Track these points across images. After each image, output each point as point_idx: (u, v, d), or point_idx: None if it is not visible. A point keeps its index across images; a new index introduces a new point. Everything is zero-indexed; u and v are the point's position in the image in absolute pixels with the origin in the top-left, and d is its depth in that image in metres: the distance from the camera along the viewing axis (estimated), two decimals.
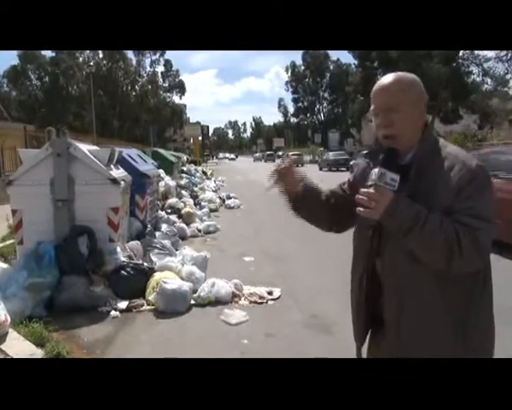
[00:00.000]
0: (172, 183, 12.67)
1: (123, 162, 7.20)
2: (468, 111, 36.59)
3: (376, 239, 1.63)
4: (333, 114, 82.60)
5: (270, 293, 5.40)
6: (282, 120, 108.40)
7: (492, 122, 35.50)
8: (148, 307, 5.03)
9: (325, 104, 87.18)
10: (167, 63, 61.76)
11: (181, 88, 62.93)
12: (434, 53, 33.26)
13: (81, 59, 54.49)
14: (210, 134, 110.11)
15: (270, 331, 4.40)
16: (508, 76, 33.62)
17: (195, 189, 16.18)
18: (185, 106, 79.11)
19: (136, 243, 6.36)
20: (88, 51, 51.38)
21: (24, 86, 53.36)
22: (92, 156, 5.76)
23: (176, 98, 64.12)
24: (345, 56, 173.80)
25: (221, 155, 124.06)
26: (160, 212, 9.70)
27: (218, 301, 5.13)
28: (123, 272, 5.33)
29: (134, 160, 8.33)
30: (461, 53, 35.47)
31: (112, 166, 6.16)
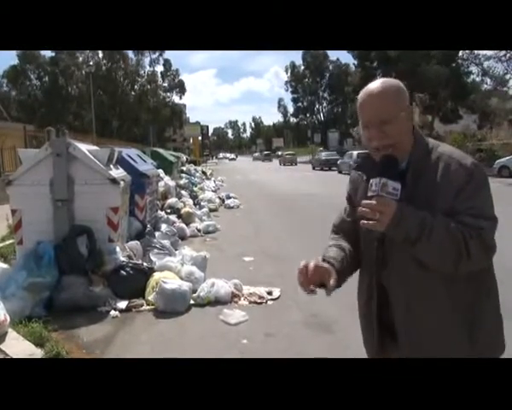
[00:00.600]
0: (172, 183, 12.67)
1: (122, 162, 7.20)
2: (468, 111, 36.65)
3: (381, 250, 1.60)
4: (332, 113, 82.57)
5: (269, 293, 5.41)
6: (281, 120, 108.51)
7: (492, 122, 35.53)
8: (148, 307, 5.03)
9: (325, 104, 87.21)
10: (166, 62, 61.73)
11: (181, 88, 62.87)
12: (434, 53, 33.30)
13: (81, 59, 54.42)
14: (209, 134, 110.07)
15: (270, 331, 4.40)
16: (507, 76, 33.62)
17: (195, 189, 16.19)
18: (185, 106, 79.11)
19: (135, 243, 6.36)
20: (88, 51, 51.34)
21: (23, 86, 53.31)
22: (92, 156, 5.76)
23: (176, 98, 64.13)
24: (344, 56, 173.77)
25: (221, 154, 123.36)
26: (159, 212, 9.70)
27: (217, 301, 5.13)
28: (122, 271, 5.33)
29: (133, 160, 8.33)
30: (460, 53, 35.49)
31: (111, 166, 6.16)
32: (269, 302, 5.22)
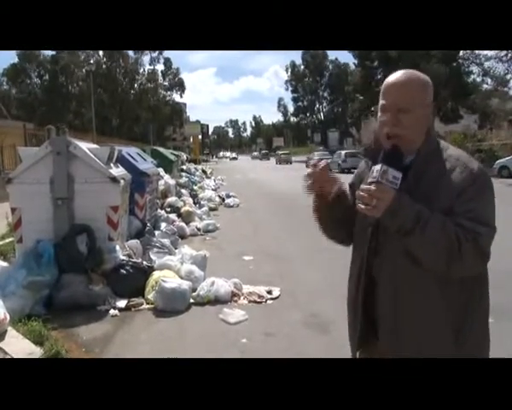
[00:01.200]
0: (172, 181, 12.67)
1: (122, 161, 7.20)
2: (468, 111, 36.58)
3: (375, 239, 1.59)
4: (332, 113, 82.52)
5: (269, 292, 5.40)
6: (281, 119, 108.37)
7: (492, 122, 35.49)
8: (148, 306, 5.03)
9: (325, 104, 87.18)
10: (167, 61, 61.64)
11: (180, 86, 62.78)
12: (434, 52, 33.27)
13: (82, 57, 54.34)
14: (210, 133, 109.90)
15: (270, 331, 4.40)
16: (508, 76, 33.60)
17: (195, 187, 16.19)
18: (185, 105, 79.07)
19: (135, 242, 6.36)
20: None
21: (23, 84, 53.31)
22: (92, 155, 5.76)
23: (176, 97, 64.07)
24: (343, 56, 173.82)
25: (221, 153, 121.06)
26: (159, 210, 9.70)
27: (217, 300, 5.13)
28: (122, 270, 5.33)
29: (133, 158, 8.33)
30: (461, 53, 35.47)
31: (111, 165, 6.16)
32: (268, 302, 5.22)
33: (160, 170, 11.70)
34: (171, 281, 5.09)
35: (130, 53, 57.63)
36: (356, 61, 47.26)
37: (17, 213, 5.65)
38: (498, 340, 1.66)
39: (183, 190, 13.59)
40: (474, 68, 36.24)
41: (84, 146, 5.96)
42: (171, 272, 5.49)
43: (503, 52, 30.15)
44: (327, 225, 1.81)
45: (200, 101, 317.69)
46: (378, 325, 1.60)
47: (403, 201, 1.42)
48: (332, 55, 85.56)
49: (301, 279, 6.04)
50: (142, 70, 60.23)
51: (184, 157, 27.04)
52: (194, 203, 12.54)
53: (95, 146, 6.64)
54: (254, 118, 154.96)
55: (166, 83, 62.31)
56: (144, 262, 5.71)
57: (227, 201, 14.71)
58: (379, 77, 43.49)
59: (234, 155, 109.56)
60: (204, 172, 27.82)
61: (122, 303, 5.03)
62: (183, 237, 8.88)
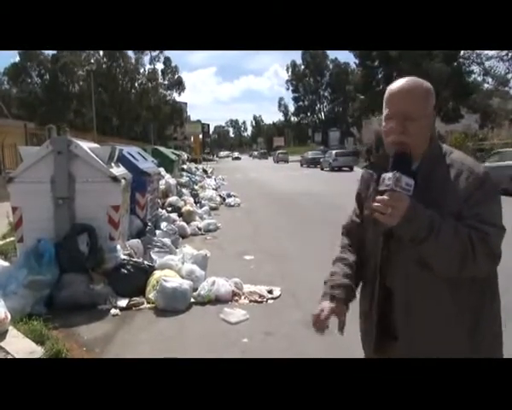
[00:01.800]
0: (173, 181, 12.67)
1: (123, 160, 7.20)
2: (469, 110, 36.53)
3: (386, 248, 1.59)
4: (333, 112, 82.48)
5: (270, 292, 5.41)
6: (282, 118, 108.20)
7: (493, 122, 35.46)
8: (148, 306, 5.04)
9: (325, 103, 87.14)
10: (167, 60, 61.59)
11: (180, 85, 62.65)
12: (435, 52, 33.22)
13: (83, 57, 54.32)
14: (210, 132, 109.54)
15: (270, 330, 4.40)
16: (509, 75, 33.58)
17: (196, 187, 16.19)
18: (186, 104, 79.03)
19: (136, 241, 6.37)
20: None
21: (24, 84, 53.32)
22: (93, 154, 5.76)
23: (176, 96, 64.03)
24: (343, 55, 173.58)
25: (221, 153, 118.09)
26: (160, 210, 9.71)
27: (218, 300, 5.13)
28: (123, 270, 5.33)
29: (134, 158, 8.34)
30: (462, 52, 35.41)
31: (112, 164, 6.16)
32: (269, 301, 5.22)
33: (161, 169, 11.70)
34: (172, 280, 5.09)
35: (131, 52, 57.74)
36: (356, 61, 47.20)
37: (18, 212, 5.65)
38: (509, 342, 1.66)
39: (183, 190, 13.59)
40: (475, 68, 36.21)
41: (85, 145, 5.96)
42: (171, 271, 5.49)
43: (504, 51, 30.13)
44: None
45: (201, 100, 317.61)
46: (397, 334, 1.59)
47: (417, 208, 1.41)
48: (332, 54, 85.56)
49: (302, 279, 6.04)
50: (142, 70, 60.32)
51: (185, 156, 27.04)
52: (195, 203, 12.55)
53: (96, 145, 6.64)
54: (255, 117, 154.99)
55: (166, 82, 62.28)
56: (145, 262, 5.71)
57: (228, 200, 14.72)
58: (379, 76, 43.46)
59: (237, 154, 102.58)
60: (205, 171, 27.83)
61: (123, 303, 5.03)
62: (183, 236, 8.89)
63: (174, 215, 9.85)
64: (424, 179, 1.51)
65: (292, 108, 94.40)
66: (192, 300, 5.10)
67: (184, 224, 9.52)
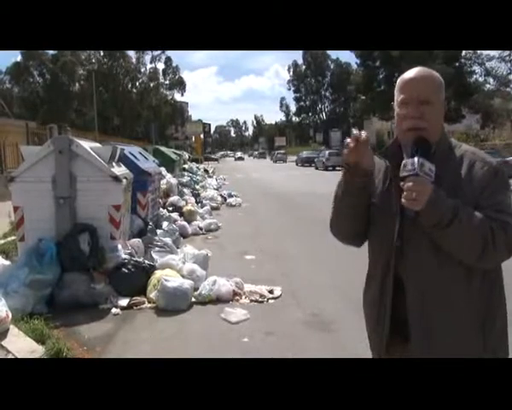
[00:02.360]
0: (174, 180, 12.67)
1: (124, 160, 7.21)
2: (471, 111, 36.51)
3: (400, 239, 1.56)
4: (334, 113, 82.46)
5: (270, 291, 5.41)
6: (283, 118, 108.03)
7: (494, 122, 35.44)
8: (149, 305, 5.04)
9: (327, 103, 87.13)
10: (168, 60, 61.51)
11: (181, 85, 62.61)
12: (437, 52, 33.20)
13: (83, 57, 54.32)
14: (212, 132, 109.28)
15: (271, 330, 4.40)
16: (510, 76, 33.56)
17: (197, 187, 16.19)
18: (187, 104, 78.98)
19: (137, 241, 6.37)
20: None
21: (26, 83, 53.33)
22: (94, 154, 5.76)
23: (177, 96, 64.00)
24: (345, 55, 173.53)
25: (222, 153, 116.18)
26: (161, 210, 9.70)
27: (218, 300, 5.13)
28: (124, 269, 5.34)
29: (135, 157, 8.34)
30: (463, 53, 35.39)
31: (113, 164, 6.17)
32: (270, 301, 5.22)
33: (162, 169, 11.70)
34: (173, 280, 5.09)
35: (132, 52, 57.71)
36: (358, 61, 47.20)
37: (19, 211, 5.66)
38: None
39: (185, 190, 13.59)
40: (477, 68, 36.18)
41: (87, 145, 5.96)
42: (172, 271, 5.50)
43: (506, 52, 30.11)
44: (342, 212, 1.70)
45: (202, 100, 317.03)
46: (410, 327, 1.56)
47: (441, 192, 1.42)
48: (333, 54, 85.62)
49: (303, 279, 6.04)
50: (143, 69, 60.28)
51: (186, 156, 26.99)
52: (197, 202, 12.55)
53: (97, 145, 6.64)
54: (256, 117, 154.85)
55: (167, 82, 62.25)
56: (146, 261, 5.72)
57: (229, 200, 14.73)
58: (381, 77, 43.44)
59: (240, 154, 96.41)
60: (206, 171, 27.82)
61: (124, 302, 5.04)
62: (184, 236, 8.89)
63: (175, 215, 9.86)
64: (439, 168, 1.48)
65: (293, 108, 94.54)
66: (193, 299, 5.10)
67: (185, 223, 9.53)
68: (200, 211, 11.36)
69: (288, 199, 15.52)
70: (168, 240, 7.02)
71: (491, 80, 35.87)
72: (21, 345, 3.83)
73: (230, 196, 15.44)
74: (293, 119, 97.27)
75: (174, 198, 11.21)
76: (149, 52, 58.24)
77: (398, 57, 35.65)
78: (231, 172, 32.81)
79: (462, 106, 36.98)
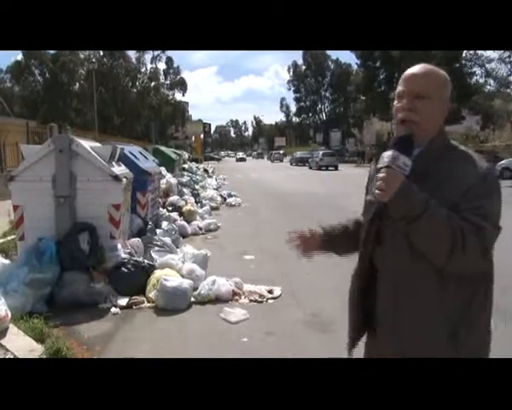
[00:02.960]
0: (174, 180, 12.67)
1: (124, 159, 7.20)
2: (471, 112, 36.52)
3: (376, 230, 1.60)
4: (334, 113, 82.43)
5: (270, 291, 5.41)
6: (283, 118, 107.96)
7: (495, 123, 35.44)
8: (149, 305, 5.04)
9: (327, 104, 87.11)
10: (169, 60, 61.47)
11: (182, 85, 62.63)
12: (437, 53, 33.20)
13: (82, 56, 54.27)
14: (212, 132, 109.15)
15: (270, 330, 4.40)
16: (511, 77, 33.55)
17: (197, 187, 16.18)
18: (187, 104, 78.93)
19: (136, 240, 6.37)
20: None
21: (27, 82, 53.30)
22: (94, 153, 5.76)
23: (178, 95, 63.96)
24: (345, 56, 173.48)
25: (222, 153, 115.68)
26: (161, 209, 9.70)
27: (218, 299, 5.13)
28: (123, 268, 5.34)
29: (135, 157, 8.34)
30: (464, 54, 35.39)
31: (113, 163, 6.16)
32: (269, 301, 5.22)
33: (162, 169, 11.70)
34: (173, 280, 5.09)
35: (132, 52, 57.67)
36: (358, 62, 47.21)
37: (19, 210, 5.66)
38: (499, 342, 1.66)
39: (184, 189, 13.58)
40: (477, 70, 36.19)
41: (87, 144, 5.96)
42: (172, 270, 5.50)
43: (506, 53, 30.10)
44: (345, 253, 1.90)
45: (202, 100, 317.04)
46: (377, 321, 1.60)
47: (412, 186, 1.43)
48: (333, 55, 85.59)
49: (302, 279, 6.04)
50: (144, 68, 60.23)
51: (186, 156, 26.98)
52: (196, 202, 12.54)
53: (97, 144, 6.64)
54: (255, 118, 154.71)
55: (168, 81, 62.21)
56: (146, 261, 5.71)
57: (229, 200, 14.73)
58: (381, 77, 43.45)
59: (241, 154, 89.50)
60: (206, 171, 27.82)
61: (123, 301, 5.04)
62: (184, 235, 8.89)
63: (175, 215, 9.85)
64: (425, 166, 1.51)
65: (293, 109, 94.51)
66: (192, 299, 5.10)
67: (185, 223, 9.53)
68: (200, 211, 11.36)
69: (287, 199, 15.52)
70: (168, 240, 7.03)
71: (491, 81, 35.90)
72: (21, 344, 3.83)
73: (230, 195, 15.43)
74: (294, 119, 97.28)
75: (174, 198, 11.21)
76: (150, 52, 58.25)
77: (399, 58, 35.67)
78: (231, 173, 32.81)
79: (463, 107, 36.98)
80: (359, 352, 1.84)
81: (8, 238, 7.18)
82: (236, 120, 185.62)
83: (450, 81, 1.61)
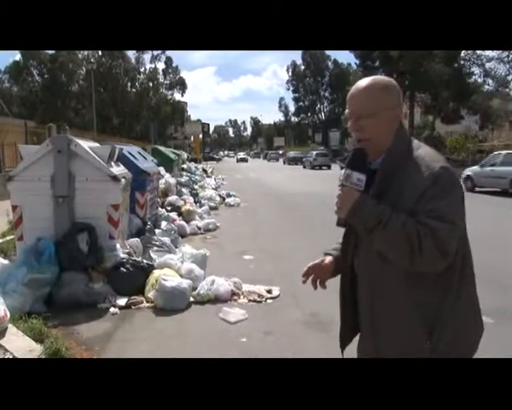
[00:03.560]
0: (172, 180, 12.67)
1: (123, 159, 7.20)
2: (470, 112, 36.53)
3: (354, 239, 1.68)
4: (333, 113, 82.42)
5: (269, 291, 5.41)
6: (282, 118, 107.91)
7: (493, 123, 35.47)
8: (148, 305, 5.04)
9: (326, 104, 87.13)
10: (168, 60, 61.39)
11: (182, 85, 62.59)
12: (436, 53, 33.22)
13: (80, 55, 54.18)
14: (210, 132, 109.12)
15: (269, 330, 4.41)
16: (509, 77, 33.57)
17: (195, 186, 16.18)
18: (186, 104, 78.83)
19: (135, 240, 6.37)
20: None
21: (25, 82, 53.22)
22: (93, 153, 5.76)
23: (177, 96, 63.89)
24: (344, 56, 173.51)
25: (221, 153, 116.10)
26: (159, 209, 9.70)
27: (217, 299, 5.13)
28: (122, 268, 5.33)
29: (134, 157, 8.34)
30: (462, 53, 35.38)
31: (112, 163, 6.16)
32: (268, 301, 5.22)
33: (161, 169, 11.70)
34: (172, 280, 5.09)
35: (131, 52, 57.58)
36: (357, 61, 47.20)
37: (18, 210, 5.65)
38: (500, 342, 1.66)
39: (183, 189, 13.58)
40: (476, 69, 36.19)
41: (85, 144, 5.96)
42: (171, 270, 5.50)
43: (505, 53, 30.14)
44: None
45: (201, 100, 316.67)
46: (360, 322, 1.70)
47: (366, 201, 1.50)
48: (332, 55, 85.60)
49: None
50: (143, 68, 60.15)
51: (185, 156, 26.98)
52: (195, 202, 12.54)
53: (95, 144, 6.64)
54: (253, 118, 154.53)
55: (167, 81, 62.14)
56: (144, 261, 5.71)
57: (228, 200, 14.73)
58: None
59: (242, 154, 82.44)
60: (204, 171, 27.82)
61: (122, 301, 5.04)
62: (183, 235, 8.89)
63: (174, 214, 9.85)
64: (387, 175, 1.55)
65: (292, 109, 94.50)
66: (191, 299, 5.10)
67: (184, 223, 9.53)
68: (199, 211, 11.36)
69: (286, 199, 15.53)
70: (166, 240, 7.02)
71: (490, 81, 35.88)
72: (19, 344, 3.83)
73: (229, 195, 15.43)
74: (292, 119, 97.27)
75: (173, 198, 11.21)
76: (149, 52, 58.17)
77: (398, 58, 35.67)
78: (230, 173, 32.81)
79: (461, 107, 37.00)
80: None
81: (7, 238, 7.18)
82: (235, 120, 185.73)
83: (393, 84, 1.62)
